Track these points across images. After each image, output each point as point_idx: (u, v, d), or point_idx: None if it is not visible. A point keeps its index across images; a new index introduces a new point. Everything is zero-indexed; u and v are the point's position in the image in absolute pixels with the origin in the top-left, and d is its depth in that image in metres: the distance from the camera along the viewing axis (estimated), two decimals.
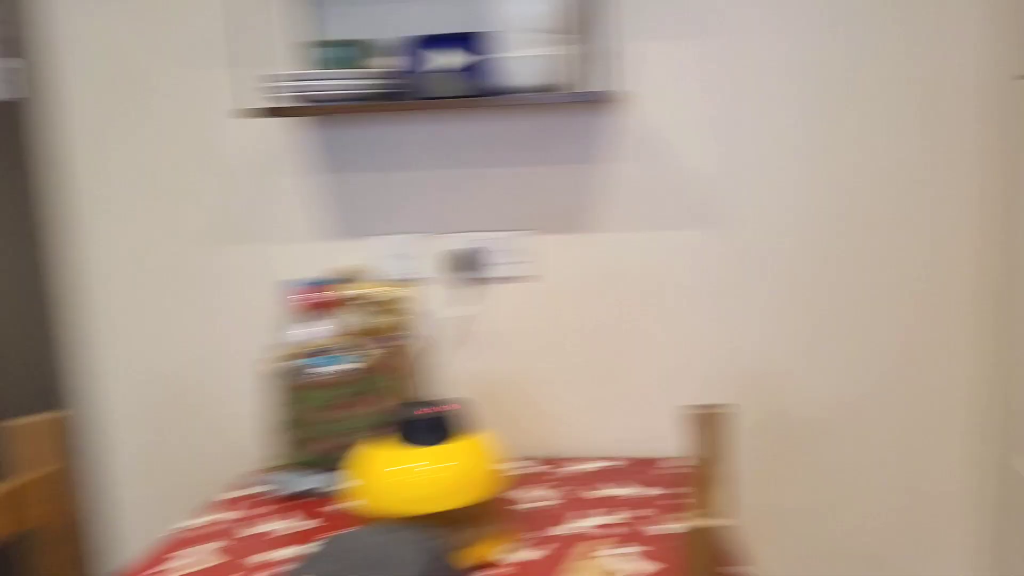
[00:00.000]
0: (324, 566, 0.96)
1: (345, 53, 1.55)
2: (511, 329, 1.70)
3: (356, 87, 1.49)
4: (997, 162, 1.52)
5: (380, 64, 1.60)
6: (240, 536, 1.38)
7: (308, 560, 0.98)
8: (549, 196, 1.65)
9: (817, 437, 1.66)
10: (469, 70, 1.53)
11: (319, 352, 1.45)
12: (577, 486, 1.53)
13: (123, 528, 1.86)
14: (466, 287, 1.70)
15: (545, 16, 1.43)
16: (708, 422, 1.31)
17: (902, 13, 1.50)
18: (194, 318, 1.78)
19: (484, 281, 1.69)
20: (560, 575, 1.21)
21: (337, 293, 1.49)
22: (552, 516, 1.41)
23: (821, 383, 1.64)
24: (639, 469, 1.60)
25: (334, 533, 1.03)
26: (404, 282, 1.70)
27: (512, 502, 1.47)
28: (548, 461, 1.66)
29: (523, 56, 1.44)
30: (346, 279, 1.52)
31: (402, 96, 1.55)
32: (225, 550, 1.33)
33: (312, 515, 1.44)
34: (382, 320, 1.51)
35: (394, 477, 1.18)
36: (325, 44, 1.55)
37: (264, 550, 1.32)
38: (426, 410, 1.23)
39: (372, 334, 1.50)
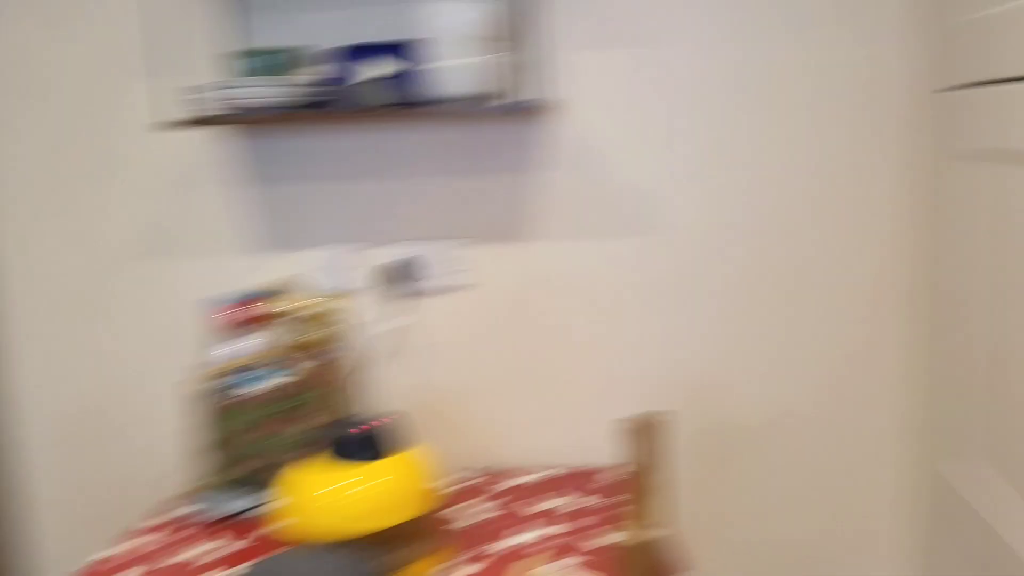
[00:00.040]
0: None
1: (272, 62, 1.52)
2: (447, 340, 1.68)
3: (283, 96, 1.46)
4: (920, 172, 1.56)
5: (309, 73, 1.57)
6: (165, 563, 1.32)
7: None
8: (483, 205, 1.64)
9: (755, 444, 1.67)
10: (400, 79, 1.51)
11: (246, 369, 1.41)
12: (516, 499, 1.51)
13: (42, 559, 1.78)
14: (400, 298, 1.67)
15: (477, 24, 1.42)
16: (646, 431, 1.30)
17: (829, 27, 1.53)
18: (115, 337, 1.71)
19: (419, 292, 1.67)
20: None
21: (265, 308, 1.45)
22: (490, 531, 1.39)
23: (758, 390, 1.65)
24: (579, 479, 1.59)
25: (263, 556, 0.99)
26: (336, 295, 1.66)
27: (449, 518, 1.44)
28: (487, 474, 1.64)
29: (455, 65, 1.43)
30: (275, 293, 1.48)
31: (331, 105, 1.52)
32: None
33: (240, 537, 1.39)
34: (313, 334, 1.47)
35: (326, 496, 1.15)
36: (251, 53, 1.51)
37: None
38: (358, 426, 1.20)
39: (303, 349, 1.46)
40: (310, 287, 1.67)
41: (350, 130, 1.63)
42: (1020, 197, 1.16)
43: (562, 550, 1.31)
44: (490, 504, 1.50)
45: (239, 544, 1.37)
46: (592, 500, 1.50)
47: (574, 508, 1.46)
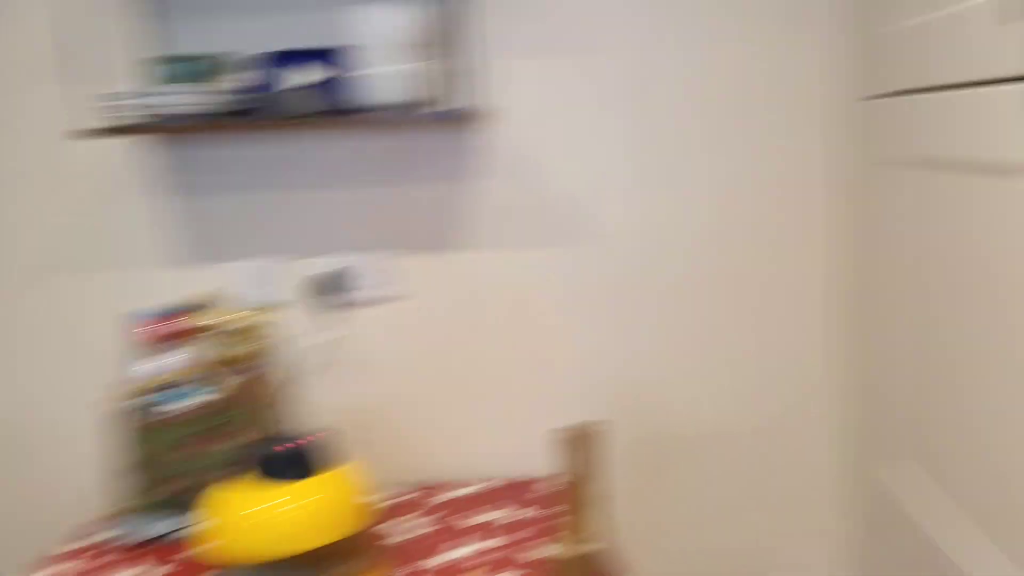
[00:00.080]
0: None
1: (194, 68, 1.47)
2: (379, 353, 1.65)
3: (206, 104, 1.41)
4: (848, 179, 1.59)
5: (233, 80, 1.52)
6: None
7: None
8: (415, 215, 1.61)
9: (691, 453, 1.68)
10: (328, 86, 1.48)
11: (169, 386, 1.35)
12: (452, 512, 1.49)
13: None
14: (330, 311, 1.63)
15: (407, 31, 1.40)
16: (581, 441, 1.29)
17: (759, 36, 1.55)
18: (28, 355, 1.64)
19: (349, 304, 1.63)
20: None
21: (189, 322, 1.39)
22: (426, 546, 1.36)
23: (693, 399, 1.66)
24: (515, 491, 1.57)
25: None
26: (263, 308, 1.62)
27: (384, 534, 1.41)
28: (421, 488, 1.61)
29: (384, 72, 1.40)
30: (199, 307, 1.43)
31: (257, 113, 1.47)
32: None
33: (164, 562, 1.34)
34: (239, 349, 1.42)
35: (253, 517, 1.11)
36: (172, 59, 1.46)
37: None
38: (287, 443, 1.16)
39: (229, 364, 1.41)
40: (236, 300, 1.61)
41: (277, 139, 1.59)
42: (944, 203, 1.19)
43: (499, 564, 1.29)
44: (425, 519, 1.47)
45: (163, 569, 1.32)
46: (528, 512, 1.48)
47: (510, 520, 1.45)
